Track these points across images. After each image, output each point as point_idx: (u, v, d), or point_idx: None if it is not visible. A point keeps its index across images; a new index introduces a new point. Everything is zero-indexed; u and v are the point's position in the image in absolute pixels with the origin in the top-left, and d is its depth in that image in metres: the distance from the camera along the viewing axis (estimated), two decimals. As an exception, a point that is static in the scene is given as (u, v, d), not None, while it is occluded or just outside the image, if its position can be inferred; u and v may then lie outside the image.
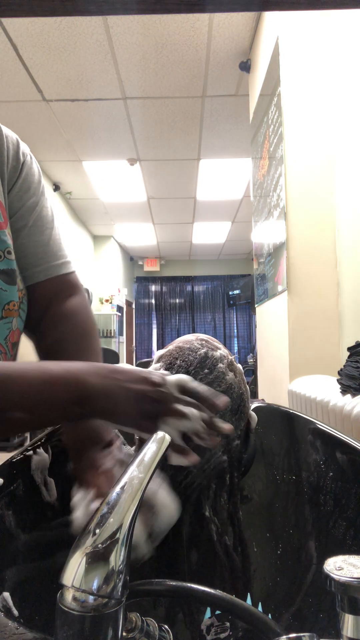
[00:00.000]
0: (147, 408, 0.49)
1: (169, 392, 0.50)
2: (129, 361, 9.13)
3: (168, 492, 0.54)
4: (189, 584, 0.35)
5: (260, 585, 0.62)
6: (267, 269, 2.68)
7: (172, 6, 0.32)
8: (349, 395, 1.44)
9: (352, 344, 1.68)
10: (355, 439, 0.59)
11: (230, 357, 0.66)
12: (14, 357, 0.71)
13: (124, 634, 0.30)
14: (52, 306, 0.74)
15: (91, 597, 0.25)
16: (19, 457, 0.60)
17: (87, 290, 4.70)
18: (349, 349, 1.65)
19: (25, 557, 0.53)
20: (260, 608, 0.60)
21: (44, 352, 0.73)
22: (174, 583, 0.36)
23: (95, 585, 0.25)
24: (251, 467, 0.68)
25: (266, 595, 0.61)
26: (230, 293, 9.17)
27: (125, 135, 4.14)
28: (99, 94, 3.49)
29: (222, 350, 0.66)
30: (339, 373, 1.61)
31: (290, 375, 2.21)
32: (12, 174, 0.71)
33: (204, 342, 0.66)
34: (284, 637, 0.28)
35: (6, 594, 0.41)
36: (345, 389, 1.49)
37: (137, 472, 0.31)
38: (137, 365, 5.54)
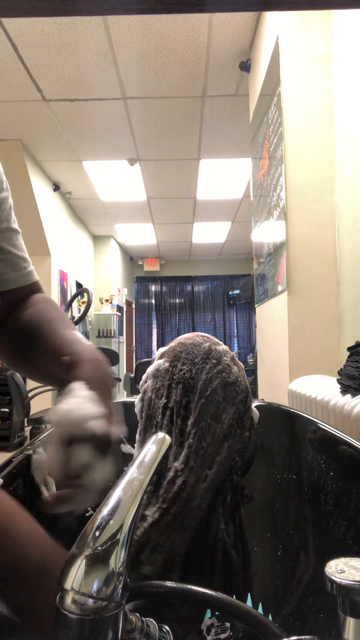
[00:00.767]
0: None
1: None
2: (129, 361, 9.13)
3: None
4: (189, 586, 0.35)
5: (260, 585, 0.61)
6: (267, 269, 2.68)
7: (172, 6, 0.32)
8: (349, 395, 1.43)
9: (352, 344, 1.67)
10: (355, 439, 0.59)
11: (231, 353, 0.66)
12: None
13: (124, 635, 0.30)
14: (17, 306, 0.71)
15: (91, 600, 0.25)
16: (19, 457, 0.60)
17: (87, 290, 4.69)
18: (349, 349, 1.65)
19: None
20: (260, 608, 0.60)
21: (12, 341, 0.70)
22: (174, 585, 0.36)
23: (94, 587, 0.25)
24: (252, 465, 0.68)
25: (266, 595, 0.61)
26: (230, 293, 9.17)
27: (125, 135, 4.14)
28: (99, 94, 3.49)
29: (224, 346, 0.66)
30: (339, 373, 1.60)
31: (290, 375, 2.21)
32: None
33: (205, 337, 0.66)
34: None
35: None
36: (345, 389, 1.49)
37: (137, 473, 0.31)
38: (136, 366, 5.52)
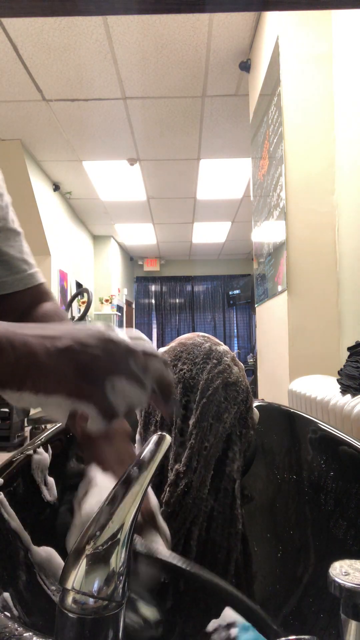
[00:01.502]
0: (84, 362, 0.36)
1: (123, 343, 0.38)
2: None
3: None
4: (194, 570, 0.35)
5: (260, 585, 0.61)
6: (267, 269, 2.68)
7: (172, 6, 0.32)
8: (349, 395, 1.43)
9: (352, 344, 1.67)
10: (355, 439, 0.59)
11: (232, 353, 0.66)
12: None
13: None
14: (26, 312, 0.69)
15: (91, 600, 0.25)
16: (19, 457, 0.60)
17: (87, 290, 4.69)
18: (349, 349, 1.65)
19: (25, 556, 0.53)
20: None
21: None
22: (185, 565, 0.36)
23: (95, 587, 0.25)
24: (251, 465, 0.68)
25: (266, 594, 0.61)
26: (230, 293, 9.16)
27: (125, 135, 4.14)
28: (99, 94, 3.48)
29: (225, 347, 0.66)
30: (339, 373, 1.60)
31: (290, 375, 2.21)
32: None
33: (205, 337, 0.66)
34: (283, 639, 0.28)
35: (6, 594, 0.41)
36: (345, 389, 1.49)
37: (137, 473, 0.31)
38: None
